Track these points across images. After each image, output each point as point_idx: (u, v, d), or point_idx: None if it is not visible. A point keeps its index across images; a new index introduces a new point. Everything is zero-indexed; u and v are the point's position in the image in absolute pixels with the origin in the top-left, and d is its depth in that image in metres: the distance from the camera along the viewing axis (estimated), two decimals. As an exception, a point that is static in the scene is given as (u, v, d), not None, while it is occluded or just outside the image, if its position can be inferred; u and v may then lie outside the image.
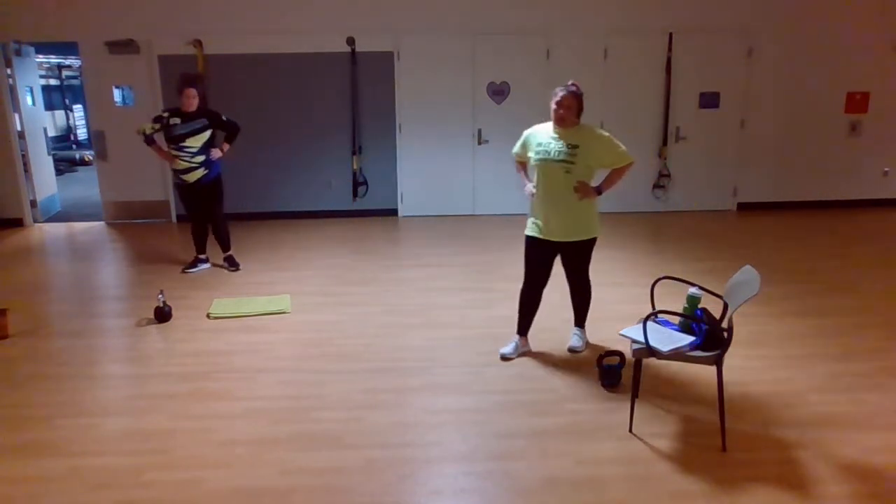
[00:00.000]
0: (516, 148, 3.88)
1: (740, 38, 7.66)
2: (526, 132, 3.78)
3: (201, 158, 5.44)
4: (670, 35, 7.60)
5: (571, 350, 3.98)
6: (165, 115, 5.35)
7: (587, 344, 4.05)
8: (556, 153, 3.55)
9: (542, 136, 3.65)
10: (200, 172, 5.48)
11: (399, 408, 3.36)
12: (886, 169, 8.16)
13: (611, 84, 7.72)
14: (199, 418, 3.27)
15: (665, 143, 7.87)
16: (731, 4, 7.57)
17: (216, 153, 5.50)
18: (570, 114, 3.52)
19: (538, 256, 3.79)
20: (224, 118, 5.46)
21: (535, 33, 7.54)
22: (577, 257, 3.77)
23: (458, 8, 7.42)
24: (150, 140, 5.39)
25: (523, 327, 3.99)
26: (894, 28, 7.72)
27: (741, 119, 7.89)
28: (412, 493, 2.68)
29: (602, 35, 7.58)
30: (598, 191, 3.60)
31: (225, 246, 5.88)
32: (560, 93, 3.53)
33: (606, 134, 3.60)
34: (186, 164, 5.41)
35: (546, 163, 3.58)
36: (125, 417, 3.29)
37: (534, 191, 3.71)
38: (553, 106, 3.55)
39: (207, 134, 5.42)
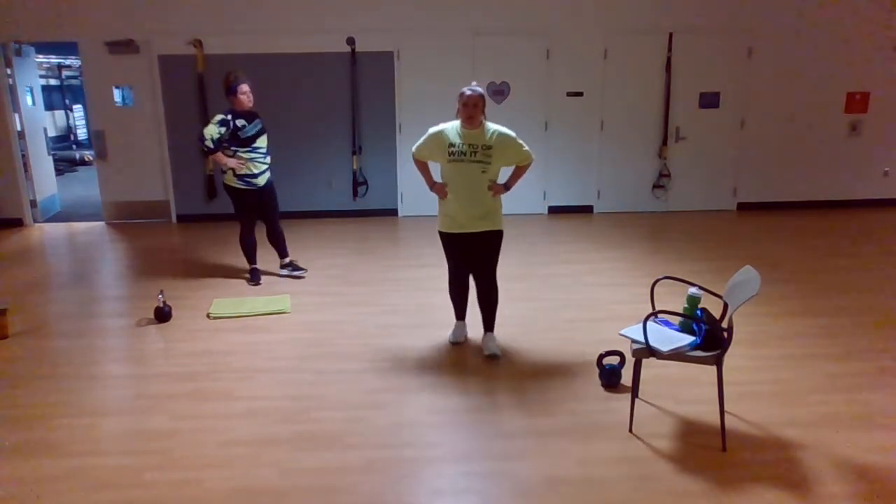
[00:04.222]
0: (420, 150, 3.93)
1: (740, 38, 7.66)
2: (432, 133, 3.85)
3: (269, 159, 5.22)
4: (670, 35, 7.60)
5: (492, 356, 3.94)
6: (229, 117, 4.92)
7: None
8: (472, 153, 3.73)
9: (453, 136, 3.78)
10: (269, 173, 5.25)
11: (399, 408, 3.36)
12: (886, 169, 8.16)
13: (611, 84, 7.72)
14: (199, 418, 3.27)
15: (665, 143, 7.87)
16: (731, 4, 7.56)
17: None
18: (478, 113, 3.72)
19: (459, 249, 3.95)
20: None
21: (535, 33, 7.54)
22: (489, 247, 3.90)
23: (458, 8, 7.42)
24: (215, 148, 4.90)
25: (461, 313, 4.20)
26: (894, 28, 7.73)
27: (741, 119, 7.89)
28: (412, 493, 2.67)
29: (602, 35, 7.58)
30: (507, 187, 3.88)
31: (286, 251, 5.57)
32: (468, 92, 3.70)
33: (512, 133, 3.80)
34: (263, 166, 5.15)
35: (462, 163, 3.74)
36: (125, 417, 3.29)
37: (446, 190, 3.85)
38: (460, 106, 3.72)
39: (265, 133, 5.19)
